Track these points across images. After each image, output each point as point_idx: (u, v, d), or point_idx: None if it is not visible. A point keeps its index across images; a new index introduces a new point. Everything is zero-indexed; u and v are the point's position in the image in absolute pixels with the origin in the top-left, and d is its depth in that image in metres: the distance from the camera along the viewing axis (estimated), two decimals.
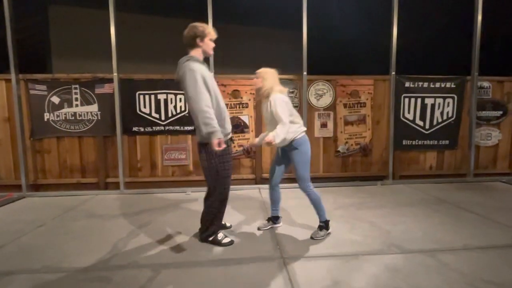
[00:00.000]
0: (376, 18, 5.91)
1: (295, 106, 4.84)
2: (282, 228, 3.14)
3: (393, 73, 4.91)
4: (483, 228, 3.10)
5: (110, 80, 4.51)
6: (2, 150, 4.51)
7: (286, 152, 2.93)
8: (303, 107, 4.78)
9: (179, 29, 2.71)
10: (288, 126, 2.70)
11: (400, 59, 4.91)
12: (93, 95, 4.56)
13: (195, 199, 4.24)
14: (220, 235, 2.78)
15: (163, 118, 4.69)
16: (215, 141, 2.44)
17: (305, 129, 2.91)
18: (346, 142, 5.03)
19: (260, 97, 2.92)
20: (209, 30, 2.67)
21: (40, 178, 4.62)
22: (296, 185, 2.92)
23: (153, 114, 4.67)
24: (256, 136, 4.64)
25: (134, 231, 3.12)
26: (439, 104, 5.08)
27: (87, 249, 2.69)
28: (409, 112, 5.07)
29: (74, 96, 4.54)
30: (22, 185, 4.45)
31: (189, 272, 2.32)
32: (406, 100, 5.04)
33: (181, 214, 3.64)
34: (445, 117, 5.12)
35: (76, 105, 4.55)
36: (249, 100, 4.80)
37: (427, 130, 5.12)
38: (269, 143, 2.67)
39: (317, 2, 4.94)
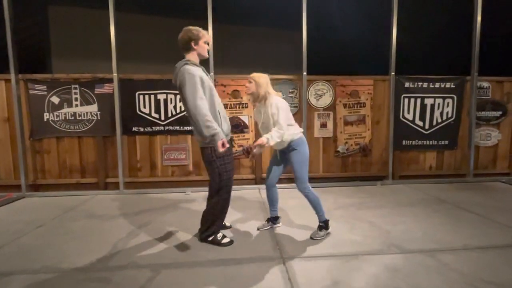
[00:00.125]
0: (376, 18, 5.91)
1: (294, 107, 4.86)
2: (281, 228, 3.14)
3: (393, 73, 4.91)
4: (483, 228, 3.11)
5: (110, 80, 4.51)
6: (2, 150, 4.51)
7: (284, 155, 2.93)
8: (303, 107, 4.78)
9: (179, 29, 2.71)
10: (284, 132, 2.69)
11: (400, 59, 4.91)
12: (93, 95, 4.56)
13: (194, 199, 4.24)
14: (219, 235, 2.79)
15: (162, 118, 4.69)
16: (219, 143, 2.45)
17: (302, 130, 2.91)
18: (346, 142, 5.03)
19: (255, 101, 2.90)
20: (203, 33, 2.68)
21: (40, 178, 4.62)
22: (295, 185, 2.91)
23: (153, 114, 4.67)
24: (256, 136, 4.65)
25: (133, 231, 3.11)
26: (438, 104, 5.08)
27: (86, 249, 2.69)
28: (408, 112, 5.07)
29: (73, 96, 4.54)
30: (22, 185, 4.45)
31: (188, 272, 2.32)
32: (406, 100, 5.05)
33: (181, 214, 3.64)
34: (444, 117, 5.12)
35: (76, 105, 4.55)
36: (249, 100, 4.79)
37: (426, 130, 5.12)
38: (261, 145, 2.66)
39: (317, 2, 4.95)
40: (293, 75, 4.89)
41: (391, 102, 4.97)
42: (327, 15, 6.94)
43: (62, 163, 4.62)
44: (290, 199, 3.98)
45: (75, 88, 4.53)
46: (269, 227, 3.13)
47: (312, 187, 2.89)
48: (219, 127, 2.61)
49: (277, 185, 3.07)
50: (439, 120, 5.12)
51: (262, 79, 2.83)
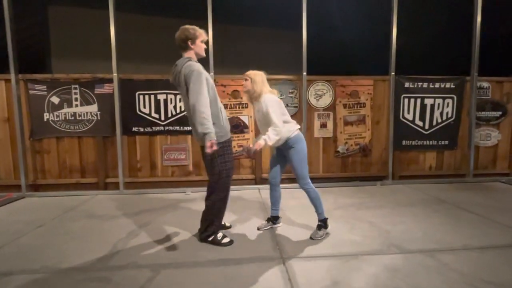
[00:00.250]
0: (376, 18, 5.91)
1: (294, 107, 4.86)
2: (281, 228, 3.14)
3: (393, 73, 4.91)
4: (482, 228, 3.11)
5: (110, 80, 4.51)
6: (2, 150, 4.51)
7: (281, 151, 2.93)
8: (303, 108, 4.78)
9: (178, 31, 2.71)
10: (280, 129, 2.69)
11: (400, 60, 4.91)
12: (93, 95, 4.56)
13: (194, 199, 4.24)
14: (219, 235, 2.79)
15: (162, 118, 4.69)
16: (208, 143, 2.46)
17: (298, 127, 2.91)
18: (346, 143, 5.03)
19: (250, 99, 2.91)
20: (200, 32, 2.69)
21: (40, 178, 4.62)
22: (296, 185, 2.92)
23: (153, 114, 4.67)
24: (256, 136, 4.64)
25: (133, 231, 3.12)
26: (438, 104, 5.08)
27: (86, 250, 2.69)
28: (408, 113, 5.07)
29: (73, 96, 4.54)
30: (22, 185, 4.45)
31: (188, 272, 2.32)
32: (406, 100, 5.05)
33: (181, 214, 3.64)
34: (444, 118, 5.12)
35: (76, 105, 4.55)
36: (245, 98, 4.80)
37: (426, 130, 5.12)
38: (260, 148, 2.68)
39: (317, 2, 4.95)
40: (293, 75, 4.89)
41: (391, 102, 4.97)
42: (327, 15, 6.94)
43: (62, 163, 4.62)
44: (290, 199, 3.98)
45: (75, 88, 4.53)
46: (269, 227, 3.13)
47: None
48: (221, 125, 2.62)
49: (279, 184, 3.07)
50: (439, 120, 5.12)
51: (258, 76, 2.83)
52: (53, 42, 7.57)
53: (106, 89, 4.56)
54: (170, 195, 4.49)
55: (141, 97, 4.63)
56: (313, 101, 4.91)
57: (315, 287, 2.10)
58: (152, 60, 6.93)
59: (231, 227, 3.18)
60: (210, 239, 2.77)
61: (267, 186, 3.12)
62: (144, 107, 4.65)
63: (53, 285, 2.17)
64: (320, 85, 4.91)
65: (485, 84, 5.16)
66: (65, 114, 4.54)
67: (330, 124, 4.98)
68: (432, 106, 5.08)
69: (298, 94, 4.88)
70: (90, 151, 4.64)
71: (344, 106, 4.98)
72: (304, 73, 4.73)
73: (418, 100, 5.06)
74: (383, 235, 2.94)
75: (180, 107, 4.67)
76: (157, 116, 4.68)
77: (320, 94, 4.92)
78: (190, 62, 2.59)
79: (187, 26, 2.68)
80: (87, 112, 4.57)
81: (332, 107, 4.96)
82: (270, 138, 2.67)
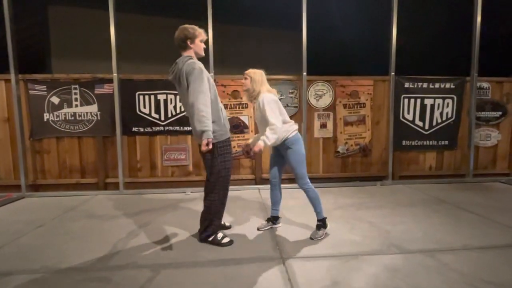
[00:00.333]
0: (376, 19, 5.91)
1: (294, 107, 4.86)
2: (281, 228, 3.14)
3: (393, 73, 4.91)
4: (482, 228, 3.11)
5: (110, 81, 4.51)
6: (2, 150, 4.51)
7: (279, 151, 2.93)
8: (303, 108, 4.78)
9: (177, 30, 2.71)
10: (277, 126, 2.68)
11: (400, 60, 4.91)
12: (93, 95, 4.56)
13: (194, 199, 4.24)
14: (219, 235, 2.79)
15: (162, 118, 4.69)
16: (204, 141, 2.47)
17: (297, 127, 2.90)
18: (346, 143, 5.03)
19: (250, 98, 2.91)
20: (200, 31, 2.69)
21: (40, 179, 4.62)
22: (295, 185, 2.92)
23: (153, 114, 4.67)
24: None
25: (133, 231, 3.12)
26: (438, 104, 5.08)
27: (86, 250, 2.69)
28: (408, 113, 5.07)
29: (73, 97, 4.54)
30: (22, 185, 4.45)
31: (188, 272, 2.32)
32: (406, 100, 5.05)
33: (181, 215, 3.64)
34: (444, 118, 5.12)
35: (76, 106, 4.55)
36: (250, 101, 4.80)
37: (426, 130, 5.12)
38: (260, 150, 2.68)
39: (317, 2, 4.95)
40: (293, 76, 4.89)
41: (391, 102, 4.97)
42: (327, 15, 6.94)
43: (62, 163, 4.62)
44: (290, 199, 3.98)
45: (75, 88, 4.53)
46: (269, 227, 3.13)
47: None
48: (221, 124, 2.62)
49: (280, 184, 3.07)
50: (439, 121, 5.12)
51: (258, 75, 2.83)
52: (53, 42, 7.57)
53: (106, 89, 4.56)
54: (170, 195, 4.49)
55: (141, 97, 4.63)
56: (313, 101, 4.91)
57: (315, 287, 2.10)
58: (152, 60, 6.93)
59: (231, 227, 3.18)
60: (210, 239, 2.77)
61: (267, 186, 3.12)
62: (144, 107, 4.65)
63: (53, 285, 2.17)
64: (320, 85, 4.91)
65: (485, 84, 5.17)
66: (65, 114, 4.54)
67: (330, 124, 4.98)
68: (432, 106, 5.08)
69: (298, 94, 4.88)
70: (90, 151, 4.64)
71: (344, 106, 4.99)
72: (304, 73, 4.73)
73: (418, 100, 5.06)
74: (383, 235, 2.94)
75: (180, 107, 4.67)
76: (157, 116, 4.68)
77: (320, 94, 4.92)
78: (192, 60, 2.60)
79: (186, 25, 2.69)
80: (87, 112, 4.57)
81: (332, 107, 4.96)
82: (268, 138, 2.67)
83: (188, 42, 2.64)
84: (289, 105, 4.82)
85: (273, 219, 3.16)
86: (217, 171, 2.69)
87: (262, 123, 2.85)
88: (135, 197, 4.44)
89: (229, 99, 4.77)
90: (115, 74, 4.46)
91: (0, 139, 4.50)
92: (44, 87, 4.48)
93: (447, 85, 5.07)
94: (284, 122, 2.80)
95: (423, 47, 7.53)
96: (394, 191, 4.57)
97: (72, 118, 4.55)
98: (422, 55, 7.39)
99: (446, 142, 5.17)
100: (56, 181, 4.63)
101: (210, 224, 2.77)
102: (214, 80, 4.55)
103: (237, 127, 4.80)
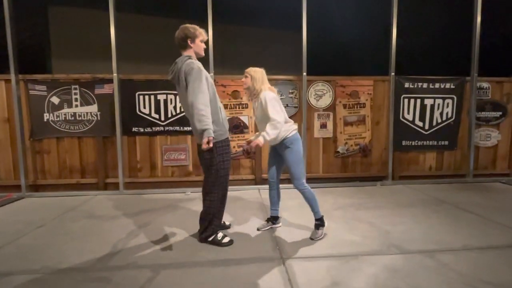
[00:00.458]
0: (376, 18, 5.92)
1: (294, 107, 4.86)
2: (281, 228, 3.14)
3: (393, 73, 4.91)
4: (482, 228, 3.11)
5: (110, 81, 4.51)
6: (2, 150, 4.51)
7: (277, 151, 2.93)
8: (303, 108, 4.78)
9: (178, 30, 2.72)
10: (278, 122, 2.68)
11: (400, 60, 4.91)
12: (93, 96, 4.56)
13: (194, 199, 4.24)
14: (219, 235, 2.79)
15: (162, 118, 4.69)
16: (204, 140, 2.47)
17: (296, 127, 2.90)
18: (346, 143, 5.04)
19: (250, 96, 2.92)
20: (200, 31, 2.69)
21: (40, 179, 4.62)
22: None
23: (153, 114, 4.67)
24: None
25: (133, 231, 3.12)
26: (438, 104, 5.08)
27: (86, 250, 2.69)
28: (408, 113, 5.07)
29: (73, 97, 4.54)
30: (22, 185, 4.45)
31: (188, 272, 2.32)
32: (406, 100, 5.05)
33: (181, 215, 3.64)
34: (444, 118, 5.12)
35: (76, 106, 4.56)
36: (249, 100, 4.80)
37: (426, 130, 5.12)
38: (258, 146, 2.68)
39: (317, 3, 4.95)
40: (293, 76, 4.89)
41: (391, 102, 4.97)
42: (327, 16, 6.94)
43: (62, 164, 4.63)
44: (289, 199, 3.98)
45: (75, 89, 4.54)
46: (269, 227, 3.13)
47: (312, 188, 2.90)
48: (220, 124, 2.63)
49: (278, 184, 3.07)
50: (439, 121, 5.12)
51: (258, 73, 2.83)
52: (53, 42, 7.57)
53: (106, 89, 4.56)
54: (170, 195, 4.49)
55: (141, 97, 4.63)
56: (313, 101, 4.91)
57: None
58: (152, 60, 6.93)
59: (231, 227, 3.18)
60: (210, 239, 2.77)
61: (267, 186, 3.12)
62: (144, 107, 4.65)
63: (53, 285, 2.18)
64: (320, 85, 4.91)
65: (485, 85, 5.17)
66: (65, 114, 4.54)
67: (330, 125, 4.98)
68: (432, 106, 5.08)
69: (298, 95, 4.88)
70: (90, 151, 4.65)
71: (344, 106, 4.99)
72: (304, 73, 4.73)
73: (418, 101, 5.06)
74: (383, 236, 2.94)
75: (180, 107, 4.67)
76: (157, 116, 4.68)
77: (320, 94, 4.92)
78: (191, 60, 2.60)
79: (187, 25, 2.69)
80: (87, 112, 4.57)
81: (332, 108, 4.97)
82: (268, 133, 2.67)
83: (189, 42, 2.65)
84: (289, 105, 4.82)
85: (273, 219, 3.16)
86: (215, 171, 2.69)
87: (262, 122, 2.85)
88: (135, 197, 4.44)
89: (229, 99, 4.77)
90: (115, 74, 4.46)
91: (0, 139, 4.50)
92: (44, 87, 4.48)
93: (447, 85, 5.07)
94: (284, 122, 2.81)
95: (423, 47, 7.53)
96: (394, 192, 4.57)
97: (72, 118, 4.56)
98: (422, 55, 7.39)
99: (446, 142, 5.17)
100: (56, 181, 4.63)
101: (209, 224, 2.77)
102: (214, 80, 4.56)
103: (237, 127, 4.80)
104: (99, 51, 5.89)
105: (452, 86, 5.08)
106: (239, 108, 4.80)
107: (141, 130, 4.67)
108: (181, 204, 4.06)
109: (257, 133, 3.13)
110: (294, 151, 2.81)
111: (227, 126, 2.79)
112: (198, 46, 2.70)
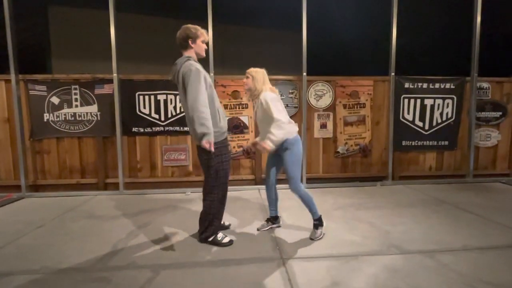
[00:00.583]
0: (376, 19, 5.92)
1: (294, 107, 4.86)
2: (281, 228, 3.15)
3: (393, 73, 4.91)
4: (482, 228, 3.11)
5: (110, 81, 4.51)
6: (2, 150, 4.51)
7: (277, 151, 2.93)
8: (303, 108, 4.78)
9: (179, 29, 2.72)
10: (282, 121, 2.67)
11: (400, 60, 4.91)
12: (93, 96, 4.56)
13: (194, 199, 4.24)
14: (219, 235, 2.79)
15: (162, 118, 4.69)
16: (206, 144, 2.47)
17: (297, 128, 2.90)
18: (346, 143, 5.04)
19: (251, 97, 2.91)
20: (202, 32, 2.69)
21: (40, 179, 4.62)
22: None
23: (153, 114, 4.67)
24: (256, 137, 4.65)
25: (133, 231, 3.12)
26: (438, 105, 5.08)
27: (86, 250, 2.70)
28: (408, 113, 5.07)
29: (73, 97, 4.54)
30: (22, 185, 4.45)
31: (188, 272, 2.32)
32: (406, 100, 5.05)
33: (181, 215, 3.64)
34: (444, 118, 5.12)
35: (76, 106, 4.56)
36: (249, 100, 4.81)
37: (426, 130, 5.12)
38: (265, 148, 2.68)
39: (317, 3, 4.95)
40: (293, 76, 4.89)
41: (391, 102, 4.97)
42: (327, 16, 6.95)
43: (62, 164, 4.63)
44: (289, 199, 3.97)
45: (75, 89, 4.53)
46: (268, 227, 3.13)
47: (312, 188, 2.91)
48: (217, 123, 2.63)
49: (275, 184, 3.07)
50: (439, 121, 5.12)
51: (259, 74, 2.83)
52: (53, 42, 7.59)
53: (106, 89, 4.56)
54: (170, 195, 4.49)
55: (141, 97, 4.63)
56: (313, 101, 4.91)
57: None
58: (152, 60, 6.94)
59: (231, 227, 3.18)
60: (210, 239, 2.77)
61: None
62: (144, 107, 4.65)
63: (53, 285, 2.18)
64: (320, 85, 4.91)
65: (485, 85, 5.17)
66: (65, 114, 4.54)
67: (330, 125, 4.98)
68: (432, 106, 5.08)
69: (298, 95, 4.88)
70: (90, 152, 4.65)
71: (344, 106, 4.99)
72: (304, 74, 4.73)
73: (418, 101, 5.06)
74: (383, 236, 2.94)
75: (180, 107, 4.67)
76: (157, 116, 4.68)
77: (320, 94, 4.92)
78: (189, 61, 2.60)
79: (189, 25, 2.69)
80: (87, 113, 4.57)
81: (332, 108, 4.96)
82: (274, 134, 2.66)
83: (190, 42, 2.65)
84: (289, 105, 4.82)
85: (273, 219, 3.16)
86: (214, 172, 2.69)
87: (263, 122, 2.84)
88: (135, 197, 4.44)
89: (229, 99, 4.77)
90: (115, 75, 4.46)
91: (0, 139, 4.50)
92: (44, 87, 4.48)
93: (447, 85, 5.07)
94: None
95: (423, 47, 7.54)
96: (394, 192, 4.57)
97: (72, 118, 4.55)
98: (422, 55, 7.40)
99: (446, 143, 5.16)
100: (56, 182, 4.63)
101: (209, 224, 2.77)
102: (214, 81, 4.56)
103: (237, 127, 4.80)
104: (99, 51, 5.90)
105: (452, 86, 5.08)
106: (239, 108, 4.80)
107: (141, 130, 4.67)
108: (181, 204, 4.06)
109: (259, 137, 3.13)
110: (294, 152, 2.80)
111: (225, 126, 2.78)
112: (199, 46, 2.70)
